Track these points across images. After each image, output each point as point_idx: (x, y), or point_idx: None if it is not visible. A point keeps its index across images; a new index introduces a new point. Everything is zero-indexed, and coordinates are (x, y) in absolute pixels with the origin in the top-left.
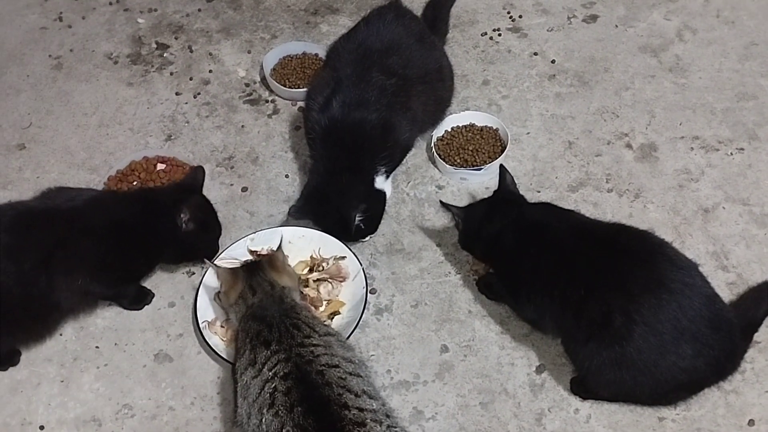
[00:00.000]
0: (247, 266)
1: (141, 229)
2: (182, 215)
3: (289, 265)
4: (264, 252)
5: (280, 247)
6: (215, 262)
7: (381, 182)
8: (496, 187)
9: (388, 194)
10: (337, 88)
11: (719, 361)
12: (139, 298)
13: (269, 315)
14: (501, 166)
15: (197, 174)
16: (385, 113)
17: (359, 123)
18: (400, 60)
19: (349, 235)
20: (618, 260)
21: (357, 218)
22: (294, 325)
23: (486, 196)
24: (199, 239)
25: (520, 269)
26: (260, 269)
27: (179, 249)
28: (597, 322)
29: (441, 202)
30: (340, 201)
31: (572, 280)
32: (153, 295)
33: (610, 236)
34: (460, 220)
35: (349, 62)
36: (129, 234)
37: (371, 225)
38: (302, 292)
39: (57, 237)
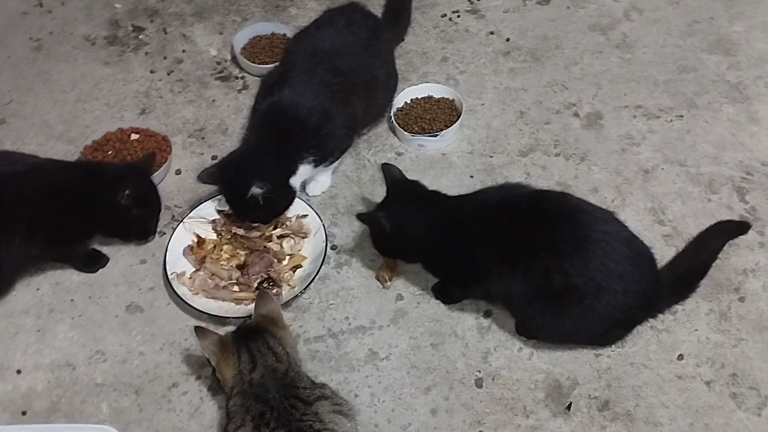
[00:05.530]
0: (238, 333)
1: (80, 197)
2: (125, 192)
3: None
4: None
5: (268, 292)
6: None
7: (307, 171)
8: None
9: (327, 185)
10: (282, 78)
11: (646, 295)
12: (93, 262)
13: (271, 396)
14: (384, 164)
15: (149, 159)
16: (326, 103)
17: (296, 105)
18: (346, 64)
19: (243, 207)
20: (546, 224)
21: (257, 190)
22: (292, 405)
23: (389, 196)
24: (134, 217)
25: (462, 257)
26: (263, 333)
27: (114, 222)
28: (539, 283)
29: (358, 215)
30: (249, 172)
31: (514, 252)
32: (108, 259)
33: (533, 205)
34: (386, 222)
35: (297, 59)
36: (68, 200)
37: (268, 211)
38: (266, 247)
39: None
